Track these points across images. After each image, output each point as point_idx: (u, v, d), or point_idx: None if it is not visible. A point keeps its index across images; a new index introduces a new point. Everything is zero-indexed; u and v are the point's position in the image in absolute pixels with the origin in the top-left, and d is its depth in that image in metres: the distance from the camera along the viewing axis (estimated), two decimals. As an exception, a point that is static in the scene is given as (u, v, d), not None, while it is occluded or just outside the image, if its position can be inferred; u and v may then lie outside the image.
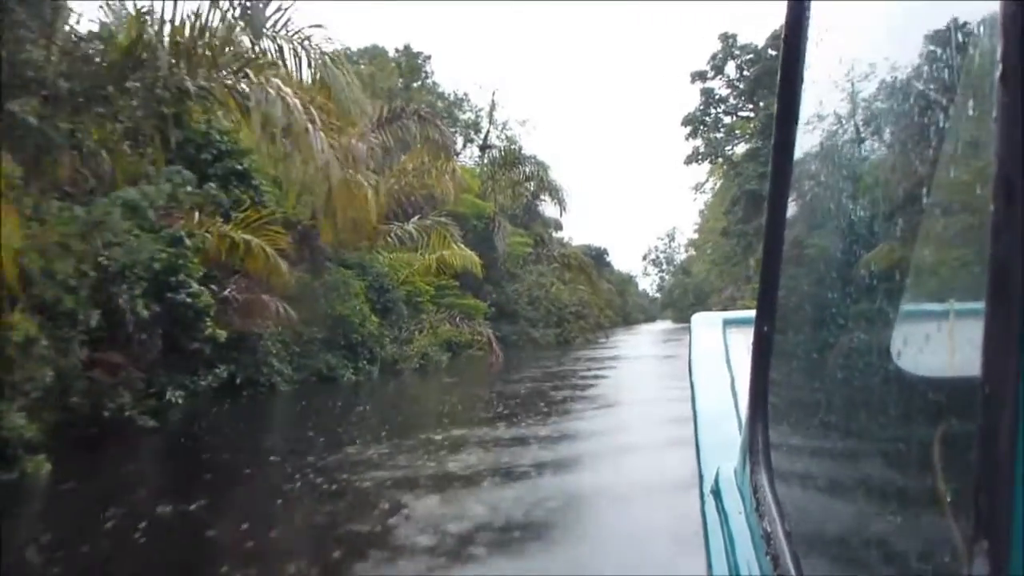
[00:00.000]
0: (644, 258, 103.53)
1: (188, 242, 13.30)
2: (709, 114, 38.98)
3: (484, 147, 40.92)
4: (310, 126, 14.19)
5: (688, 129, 39.39)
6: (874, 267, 0.70)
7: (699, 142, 38.76)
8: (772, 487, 0.98)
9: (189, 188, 13.56)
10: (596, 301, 51.52)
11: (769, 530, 0.90)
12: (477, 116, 43.09)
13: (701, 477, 1.37)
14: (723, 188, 45.26)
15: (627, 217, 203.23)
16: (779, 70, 0.98)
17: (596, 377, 20.96)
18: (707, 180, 71.39)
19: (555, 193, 36.83)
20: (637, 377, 21.06)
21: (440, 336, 24.27)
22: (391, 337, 22.76)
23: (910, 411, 0.60)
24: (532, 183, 37.09)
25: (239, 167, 17.26)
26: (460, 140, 42.92)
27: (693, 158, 39.02)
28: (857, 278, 0.74)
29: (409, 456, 9.89)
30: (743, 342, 1.76)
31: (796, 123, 0.96)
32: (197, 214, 14.35)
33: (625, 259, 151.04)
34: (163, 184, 12.41)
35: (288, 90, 13.49)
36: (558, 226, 52.13)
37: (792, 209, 1.01)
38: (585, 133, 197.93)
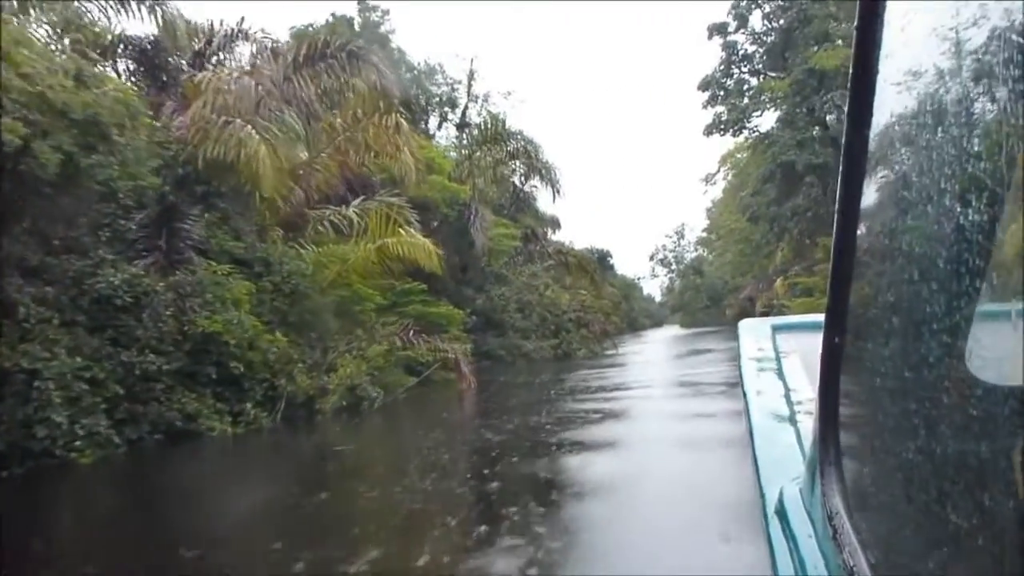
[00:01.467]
0: (651, 258, 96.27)
1: None
2: (731, 75, 32.13)
3: (461, 125, 34.02)
4: None
5: (706, 95, 32.60)
6: (968, 264, 0.62)
7: (721, 109, 31.92)
8: (850, 513, 0.89)
9: None
10: (601, 306, 44.56)
11: (851, 563, 0.82)
12: (453, 89, 36.22)
13: (763, 496, 1.28)
14: (751, 163, 38.28)
15: (631, 218, 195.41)
16: (857, 10, 0.86)
17: (609, 417, 13.94)
18: (718, 171, 64.74)
19: (547, 174, 29.92)
20: (677, 422, 13.04)
21: (382, 359, 17.23)
22: (309, 363, 15.85)
23: (996, 425, 0.55)
24: (518, 162, 30.19)
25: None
26: (435, 119, 36.04)
27: (714, 127, 32.15)
28: (952, 276, 0.65)
29: None
30: (794, 349, 1.85)
31: (874, 89, 0.84)
32: None
33: (629, 263, 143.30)
34: None
35: None
36: (555, 224, 45.34)
37: (867, 199, 0.90)
38: (583, 130, 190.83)
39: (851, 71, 0.87)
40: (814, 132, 29.15)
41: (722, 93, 32.31)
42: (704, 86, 32.44)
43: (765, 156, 31.63)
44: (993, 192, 0.57)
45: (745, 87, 31.65)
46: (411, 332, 19.09)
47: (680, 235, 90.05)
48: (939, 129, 0.74)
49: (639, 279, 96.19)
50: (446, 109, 36.35)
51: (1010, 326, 0.51)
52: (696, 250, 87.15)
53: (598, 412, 14.10)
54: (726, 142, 78.63)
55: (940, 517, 0.68)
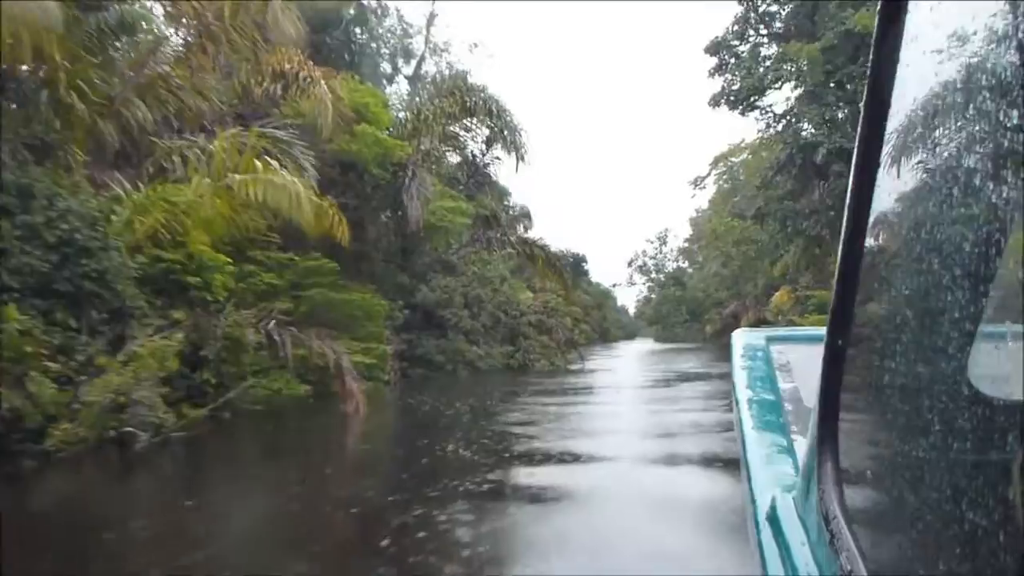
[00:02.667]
0: (630, 264, 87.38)
1: None
2: (746, 37, 26.24)
3: (415, 78, 27.65)
4: None
5: (714, 60, 26.69)
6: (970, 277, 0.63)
7: (733, 77, 25.93)
8: (847, 518, 0.89)
9: None
10: (569, 311, 38.45)
11: (849, 567, 0.82)
12: (407, 34, 29.81)
13: (754, 503, 1.28)
14: (766, 145, 32.39)
15: (610, 221, 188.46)
16: (876, 17, 0.86)
17: (564, 498, 7.60)
18: (709, 174, 59.03)
19: (511, 137, 23.70)
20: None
21: (173, 361, 10.86)
22: (80, 360, 9.47)
23: (994, 435, 0.57)
24: (476, 120, 23.93)
25: None
26: (386, 69, 29.61)
27: (722, 98, 26.23)
28: (958, 286, 0.66)
29: None
30: (788, 360, 1.84)
31: (890, 94, 0.83)
32: None
33: (605, 270, 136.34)
34: None
35: None
36: (526, 217, 39.43)
37: (877, 205, 0.90)
38: (562, 126, 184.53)
39: (868, 79, 0.86)
40: (845, 111, 23.30)
41: (733, 60, 26.47)
42: (713, 49, 26.53)
43: (781, 139, 25.81)
44: (1004, 205, 0.57)
45: (761, 55, 25.83)
46: (270, 323, 12.62)
47: (663, 241, 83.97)
48: (953, 137, 0.72)
49: (615, 286, 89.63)
50: (399, 60, 29.98)
51: (1011, 340, 0.53)
52: (678, 260, 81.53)
53: (533, 498, 7.74)
54: (720, 143, 72.78)
55: (939, 523, 0.68)
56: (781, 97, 27.46)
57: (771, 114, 27.46)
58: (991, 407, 0.57)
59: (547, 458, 9.53)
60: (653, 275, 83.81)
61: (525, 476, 8.50)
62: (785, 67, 25.06)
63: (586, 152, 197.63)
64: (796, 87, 25.86)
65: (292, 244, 20.17)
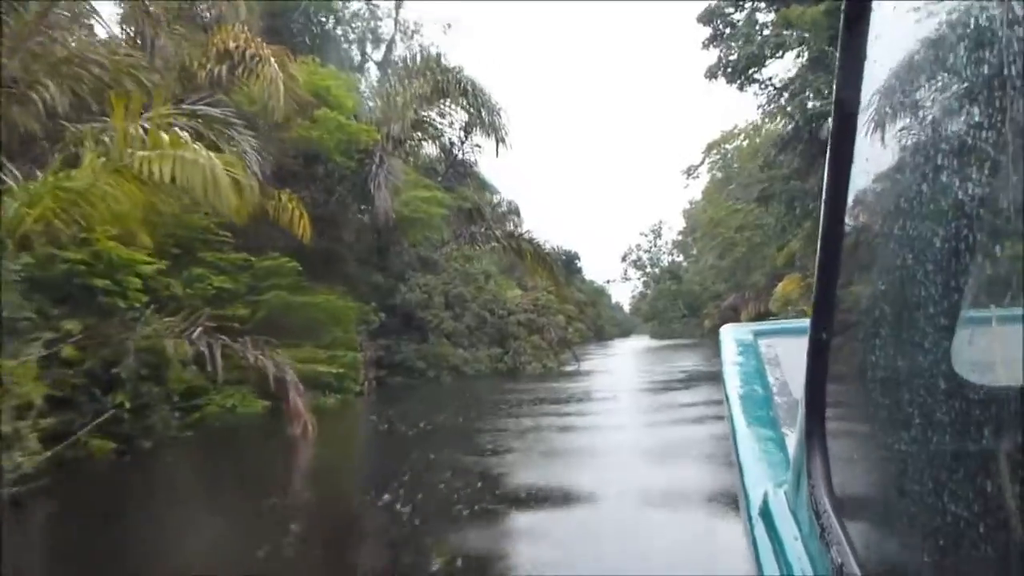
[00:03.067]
0: (624, 259, 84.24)
1: None
2: (741, 3, 24.07)
3: (385, 63, 25.51)
4: None
5: (708, 31, 24.61)
6: (954, 264, 0.64)
7: (729, 48, 23.81)
8: (837, 511, 0.90)
9: None
10: (563, 308, 36.41)
11: (840, 560, 0.82)
12: (374, 15, 27.61)
13: (747, 498, 1.29)
14: (768, 122, 30.35)
15: (602, 216, 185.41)
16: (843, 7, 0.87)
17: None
18: (702, 162, 57.09)
19: (488, 118, 21.59)
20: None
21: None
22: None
23: (982, 425, 0.58)
24: (449, 103, 21.80)
25: None
26: (354, 56, 27.44)
27: (719, 70, 24.08)
28: (940, 274, 0.67)
29: None
30: (776, 354, 1.86)
31: (861, 80, 0.85)
32: None
33: (598, 267, 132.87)
34: None
35: None
36: (514, 212, 37.44)
37: (854, 195, 0.91)
38: (550, 119, 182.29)
39: (837, 66, 0.88)
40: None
41: (728, 29, 24.46)
42: (706, 18, 24.46)
43: (784, 112, 23.78)
44: (981, 191, 0.58)
45: (759, 22, 23.80)
46: (197, 331, 10.48)
47: (657, 234, 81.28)
48: (927, 123, 0.74)
49: (609, 282, 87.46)
50: (367, 45, 27.83)
51: (995, 326, 0.54)
52: (673, 253, 79.35)
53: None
54: (713, 130, 71.05)
55: (928, 513, 0.68)
56: (782, 68, 25.46)
57: (772, 87, 25.41)
58: (978, 396, 0.57)
59: (525, 506, 7.34)
60: (648, 269, 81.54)
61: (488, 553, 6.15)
62: (786, 33, 23.03)
63: (574, 145, 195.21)
64: (799, 55, 23.84)
65: (257, 245, 18.08)
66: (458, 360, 23.23)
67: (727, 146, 54.04)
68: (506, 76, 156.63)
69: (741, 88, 25.21)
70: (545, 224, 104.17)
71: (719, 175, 55.40)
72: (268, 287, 17.11)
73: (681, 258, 77.33)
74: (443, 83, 20.85)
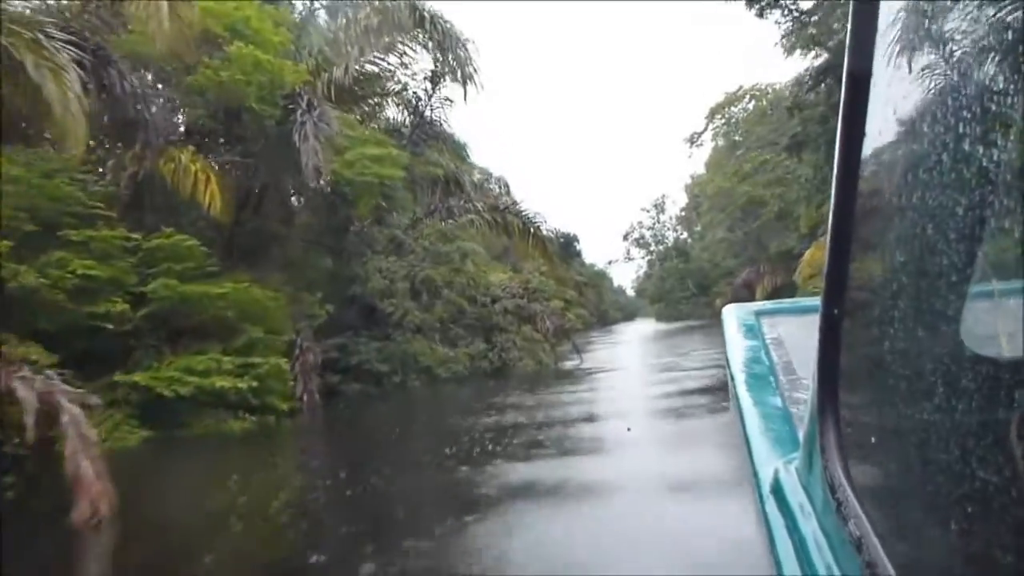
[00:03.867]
0: (626, 238, 78.44)
1: None
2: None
3: (334, 7, 20.92)
4: None
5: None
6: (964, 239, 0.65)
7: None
8: (852, 486, 0.89)
9: None
10: (559, 292, 32.10)
11: (858, 533, 0.81)
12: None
13: (756, 476, 1.27)
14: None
15: (600, 199, 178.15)
16: None
17: None
18: (706, 128, 52.48)
19: (456, 52, 17.11)
20: None
21: None
22: None
23: (996, 397, 0.59)
24: (405, 39, 17.27)
25: None
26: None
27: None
28: (953, 247, 0.67)
29: None
30: (779, 333, 1.85)
31: (872, 51, 0.84)
32: None
33: (598, 253, 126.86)
34: None
35: None
36: (503, 185, 33.51)
37: (867, 168, 0.90)
38: (545, 94, 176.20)
39: (848, 32, 0.87)
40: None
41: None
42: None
43: (813, 41, 19.34)
44: (993, 166, 0.59)
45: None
46: None
47: (660, 209, 75.86)
48: (942, 90, 0.73)
49: (611, 263, 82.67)
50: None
51: (1007, 299, 0.54)
52: (677, 229, 74.16)
53: None
54: (715, 96, 66.26)
55: (944, 485, 0.69)
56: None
57: (796, 12, 20.94)
58: (990, 366, 0.57)
59: None
60: (652, 248, 76.19)
61: None
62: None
63: (569, 120, 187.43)
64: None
65: (167, 223, 13.77)
66: (432, 360, 18.89)
67: (732, 108, 49.35)
68: (497, 43, 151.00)
69: (761, 14, 20.78)
70: (541, 206, 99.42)
71: (722, 143, 51.05)
72: (161, 273, 12.76)
73: (685, 235, 72.73)
74: (394, 11, 16.34)
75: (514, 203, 25.86)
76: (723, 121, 50.76)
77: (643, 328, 55.69)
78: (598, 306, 66.09)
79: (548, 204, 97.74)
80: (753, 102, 47.32)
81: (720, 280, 48.86)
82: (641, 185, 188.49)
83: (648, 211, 78.00)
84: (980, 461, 0.60)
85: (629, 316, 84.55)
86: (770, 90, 43.28)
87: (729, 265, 47.36)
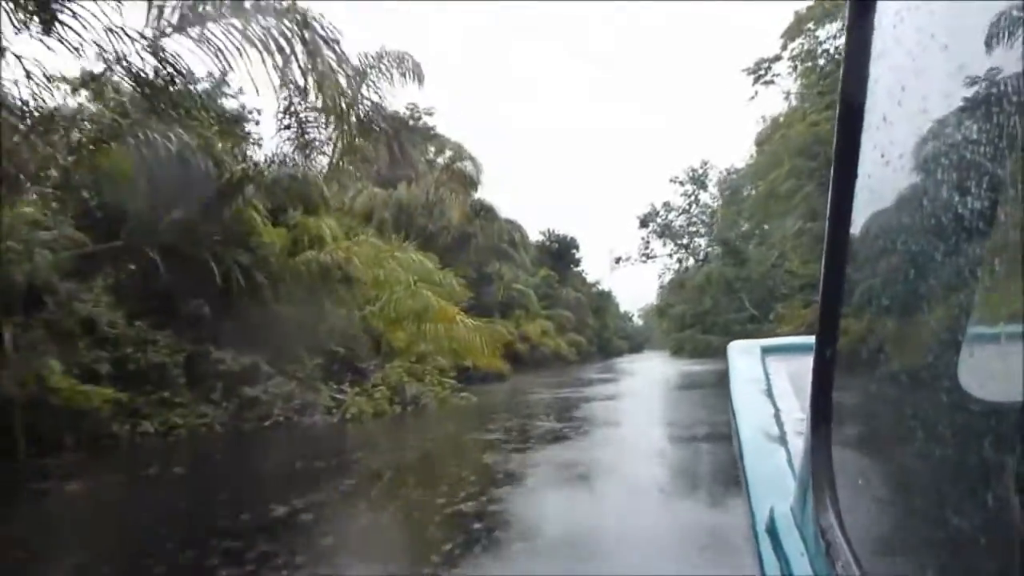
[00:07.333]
0: (644, 224, 51.20)
1: None
2: None
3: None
4: None
5: None
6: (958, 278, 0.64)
7: None
8: (843, 528, 0.90)
9: None
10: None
11: None
12: None
13: (753, 515, 1.26)
14: None
15: (606, 188, 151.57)
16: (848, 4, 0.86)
17: None
18: (776, 58, 33.09)
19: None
20: None
21: None
22: None
23: (989, 441, 0.58)
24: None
25: None
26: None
27: None
28: (948, 289, 0.67)
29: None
30: (783, 371, 1.84)
31: (865, 89, 0.83)
32: None
33: (598, 262, 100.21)
34: None
35: None
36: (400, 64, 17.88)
37: (859, 210, 0.90)
38: (544, 96, 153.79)
39: (841, 79, 0.86)
40: None
41: None
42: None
43: None
44: (986, 209, 0.58)
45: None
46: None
47: (699, 180, 48.98)
48: (935, 129, 0.72)
49: (620, 261, 55.06)
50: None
51: (1001, 342, 0.54)
52: (716, 215, 46.73)
53: None
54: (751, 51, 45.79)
55: (935, 530, 0.69)
56: None
57: None
58: (986, 409, 0.57)
59: None
60: (685, 240, 49.72)
61: None
62: None
63: (569, 120, 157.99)
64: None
65: None
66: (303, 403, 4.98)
67: (818, 29, 32.64)
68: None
69: None
70: (542, 206, 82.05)
71: (804, 82, 32.93)
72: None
73: (743, 223, 44.90)
74: None
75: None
76: (803, 42, 32.06)
77: (657, 368, 36.95)
78: (600, 334, 51.87)
79: (548, 204, 79.42)
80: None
81: (796, 295, 32.47)
82: (664, 156, 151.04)
83: (679, 182, 50.53)
84: (973, 507, 0.58)
85: (636, 347, 74.50)
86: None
87: (810, 272, 30.57)
